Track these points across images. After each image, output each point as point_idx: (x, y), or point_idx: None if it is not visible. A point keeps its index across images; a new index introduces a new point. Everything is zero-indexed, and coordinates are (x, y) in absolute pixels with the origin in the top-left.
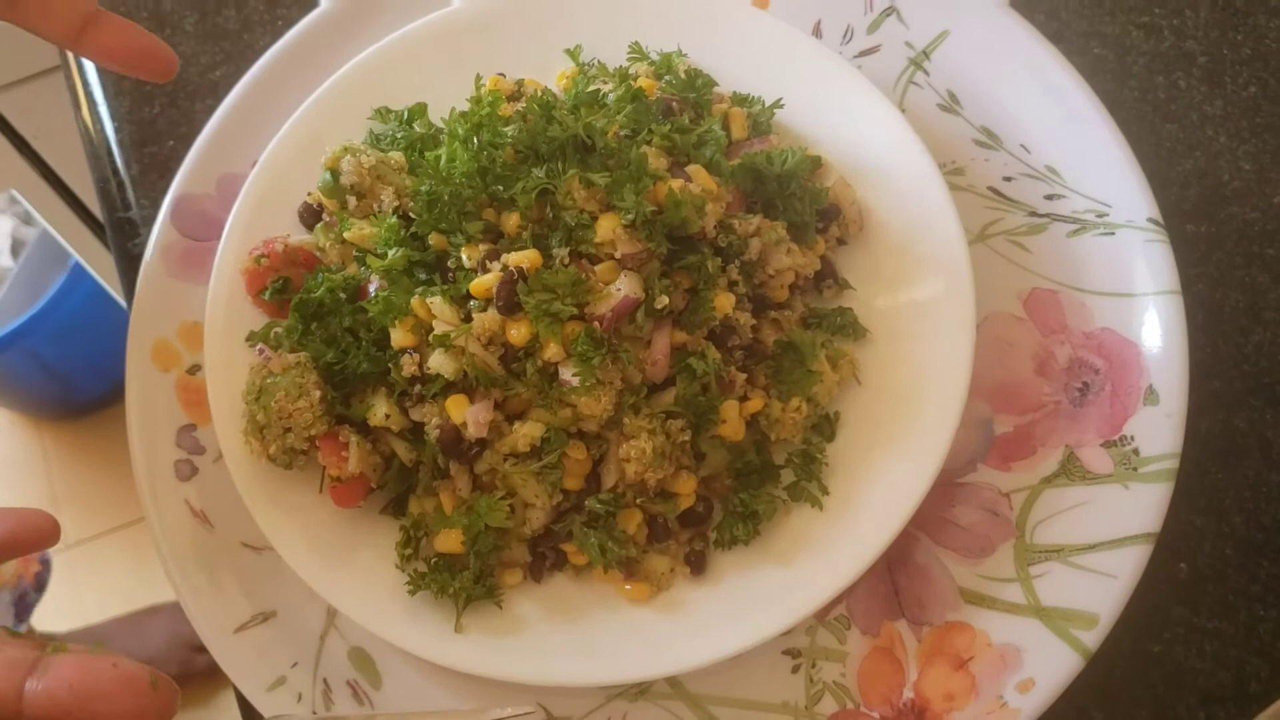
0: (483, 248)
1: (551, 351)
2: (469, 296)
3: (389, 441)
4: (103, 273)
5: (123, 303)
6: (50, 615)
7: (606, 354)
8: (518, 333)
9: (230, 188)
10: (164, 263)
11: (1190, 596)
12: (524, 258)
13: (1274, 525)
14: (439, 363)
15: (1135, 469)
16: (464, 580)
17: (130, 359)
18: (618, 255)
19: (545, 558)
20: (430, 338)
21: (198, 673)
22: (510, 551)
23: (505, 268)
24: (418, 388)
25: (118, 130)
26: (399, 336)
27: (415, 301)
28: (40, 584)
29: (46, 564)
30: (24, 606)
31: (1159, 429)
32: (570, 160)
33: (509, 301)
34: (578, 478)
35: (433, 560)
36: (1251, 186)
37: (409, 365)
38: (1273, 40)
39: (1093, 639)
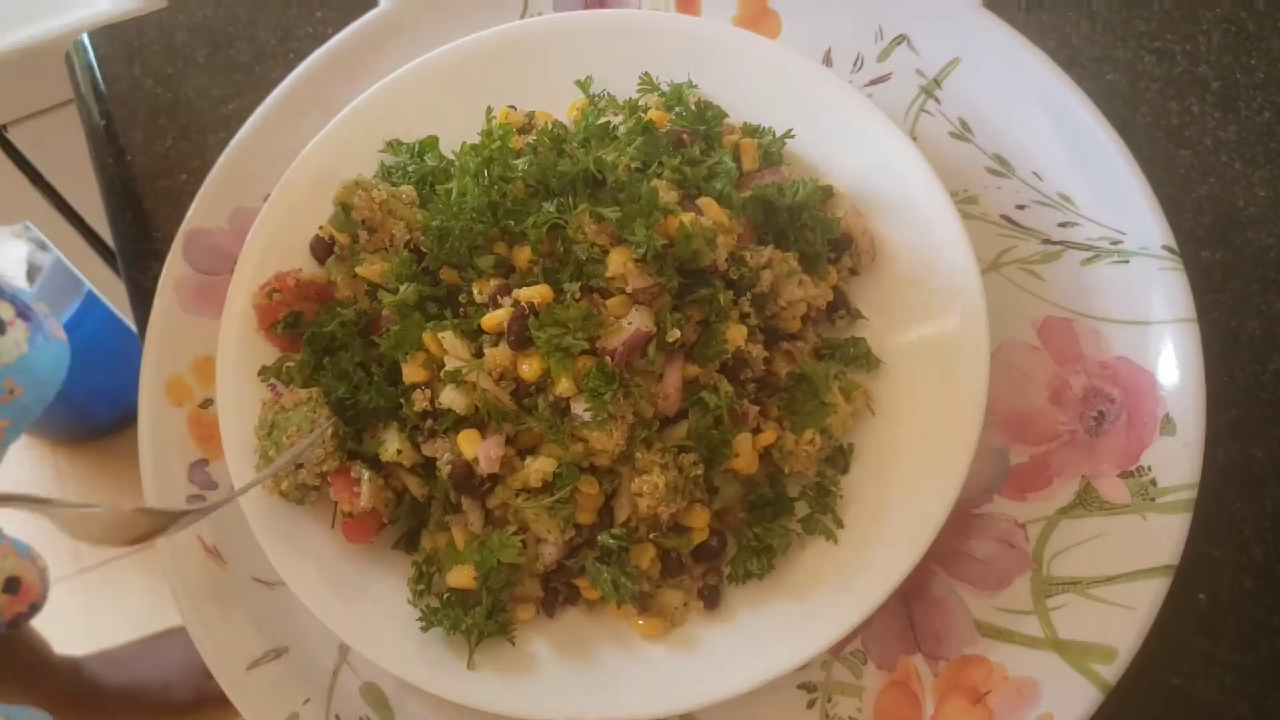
0: (494, 282)
1: (563, 386)
2: (480, 331)
3: (401, 477)
4: (116, 301)
5: (136, 330)
6: (65, 638)
7: (618, 389)
8: (529, 368)
9: (243, 221)
10: (176, 297)
11: (1210, 629)
12: (535, 293)
13: None
14: (451, 398)
15: (1153, 500)
16: (476, 616)
17: (143, 394)
18: (629, 289)
19: (558, 593)
20: (442, 373)
21: (212, 697)
22: (523, 587)
23: (516, 303)
24: (429, 422)
25: (130, 164)
26: (410, 371)
27: (427, 336)
28: (34, 607)
29: (35, 608)
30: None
31: (1176, 459)
32: (581, 194)
33: (520, 336)
34: (590, 512)
35: (445, 596)
36: (1267, 212)
37: (420, 400)
38: None
39: (1111, 673)
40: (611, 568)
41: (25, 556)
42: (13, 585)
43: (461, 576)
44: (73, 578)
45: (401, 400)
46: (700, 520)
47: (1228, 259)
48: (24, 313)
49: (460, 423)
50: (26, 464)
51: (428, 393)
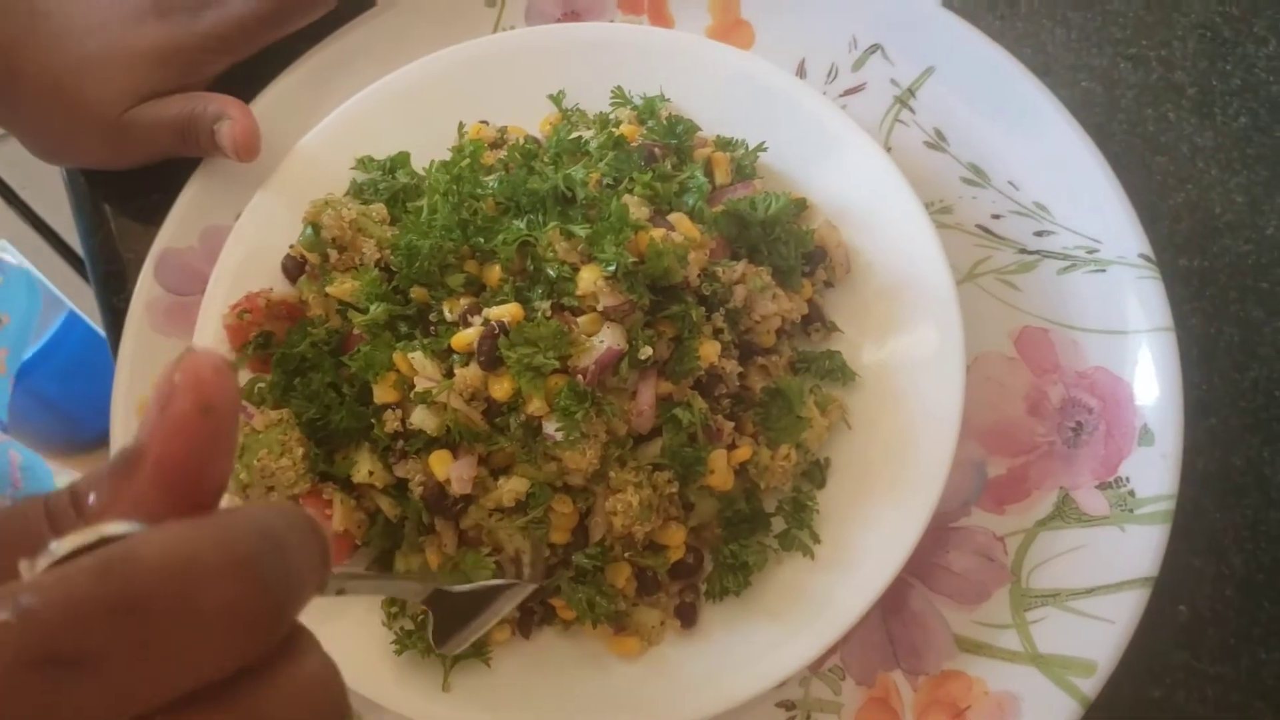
0: (464, 301)
1: (534, 406)
2: (451, 351)
3: (373, 498)
4: (96, 318)
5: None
6: None
7: (590, 407)
8: (500, 387)
9: (214, 240)
10: (148, 318)
11: (1191, 640)
12: (505, 312)
13: (1274, 565)
14: (421, 418)
15: (1131, 511)
16: None
17: (116, 416)
18: (600, 307)
19: (534, 613)
20: (412, 394)
21: None
22: None
23: (486, 322)
24: (400, 444)
25: (101, 183)
26: (381, 392)
27: (397, 356)
28: None
29: None
30: None
31: (1155, 469)
32: (551, 212)
33: (490, 356)
34: (564, 531)
35: (419, 618)
36: (1244, 219)
37: (392, 421)
38: (1262, 70)
39: (1091, 686)
40: (587, 588)
41: None
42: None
43: None
44: None
45: (373, 421)
46: (676, 538)
47: (1205, 266)
48: None
49: (432, 444)
50: None
51: (399, 413)
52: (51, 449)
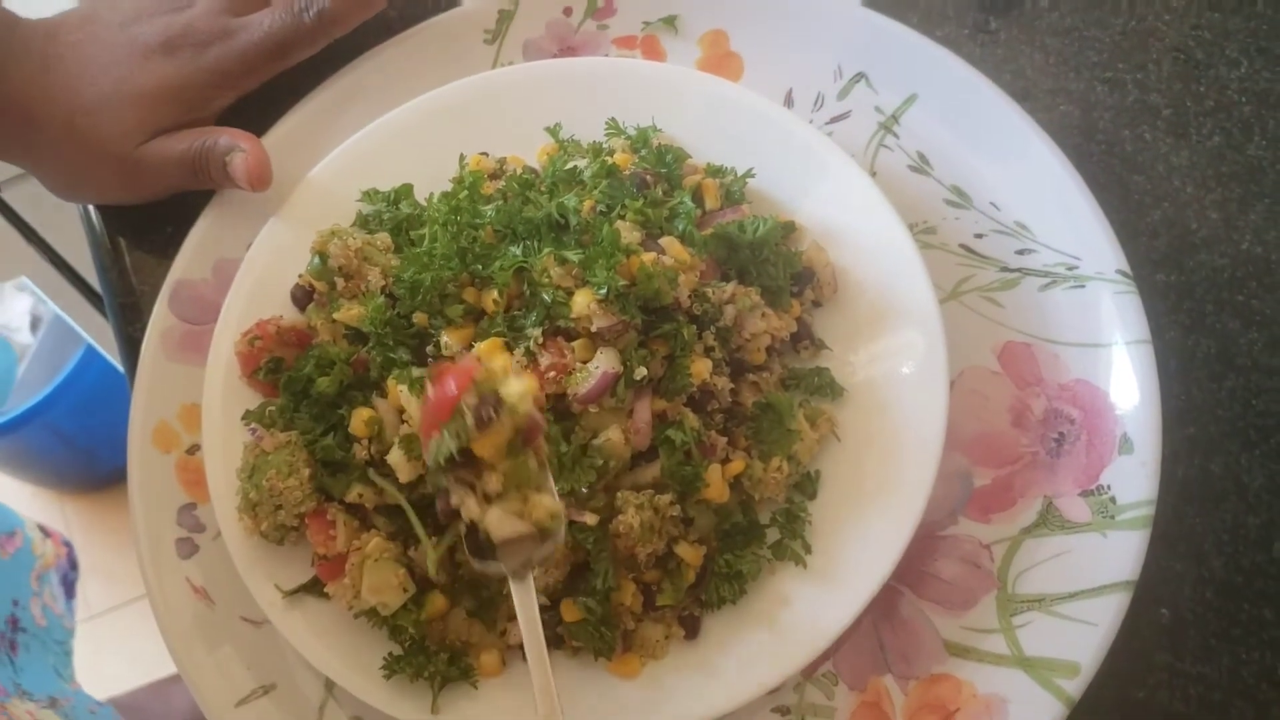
0: (462, 333)
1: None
2: None
3: (371, 518)
4: (112, 351)
5: (126, 379)
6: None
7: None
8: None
9: (226, 272)
10: (163, 347)
11: (1173, 642)
12: (487, 347)
13: (1253, 568)
14: (396, 461)
15: (1113, 517)
16: (439, 663)
17: (132, 441)
18: (594, 328)
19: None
20: (398, 440)
21: None
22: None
23: (478, 359)
24: (374, 471)
25: (117, 218)
26: (357, 425)
27: (390, 382)
28: (73, 562)
29: (69, 545)
30: (69, 584)
31: (1134, 477)
32: (546, 238)
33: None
34: (562, 568)
35: (407, 643)
36: (1219, 234)
37: (361, 451)
38: (1234, 91)
39: (1075, 687)
40: (592, 626)
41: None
42: (44, 530)
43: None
44: (80, 623)
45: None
46: (694, 555)
47: (1182, 280)
48: None
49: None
50: (36, 515)
51: (367, 445)
52: (67, 485)
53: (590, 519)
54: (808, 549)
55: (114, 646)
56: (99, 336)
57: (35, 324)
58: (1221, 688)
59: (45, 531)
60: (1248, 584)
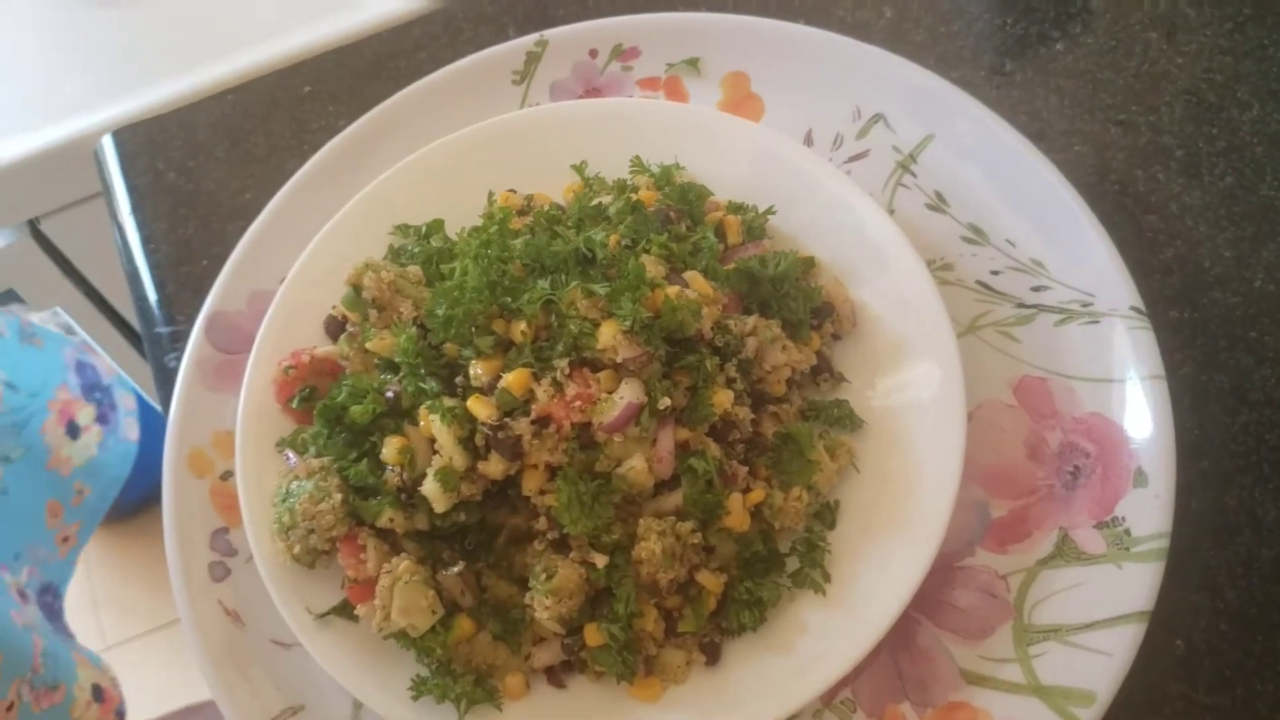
0: (491, 364)
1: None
2: (470, 418)
3: (401, 544)
4: (141, 383)
5: (161, 410)
6: None
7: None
8: (527, 481)
9: (260, 304)
10: (199, 375)
11: (1188, 673)
12: (514, 378)
13: (1267, 600)
14: (431, 491)
15: (1127, 549)
16: (464, 684)
17: (167, 467)
18: (619, 359)
19: (568, 664)
20: (433, 473)
21: None
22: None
23: (505, 392)
24: (405, 497)
25: (154, 251)
26: (389, 454)
27: (421, 412)
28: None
29: (123, 708)
30: None
31: (1149, 509)
32: (573, 272)
33: (514, 451)
34: (579, 597)
35: (434, 665)
36: (1232, 272)
37: (394, 479)
38: (1246, 133)
39: (1090, 716)
40: (615, 652)
41: (97, 666)
42: (99, 693)
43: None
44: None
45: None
46: (715, 583)
47: (1195, 317)
48: (104, 415)
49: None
50: None
51: (399, 473)
52: None
53: (599, 560)
54: (827, 578)
55: (130, 677)
56: (129, 366)
57: None
58: (1236, 718)
59: (101, 694)
60: (1262, 616)
